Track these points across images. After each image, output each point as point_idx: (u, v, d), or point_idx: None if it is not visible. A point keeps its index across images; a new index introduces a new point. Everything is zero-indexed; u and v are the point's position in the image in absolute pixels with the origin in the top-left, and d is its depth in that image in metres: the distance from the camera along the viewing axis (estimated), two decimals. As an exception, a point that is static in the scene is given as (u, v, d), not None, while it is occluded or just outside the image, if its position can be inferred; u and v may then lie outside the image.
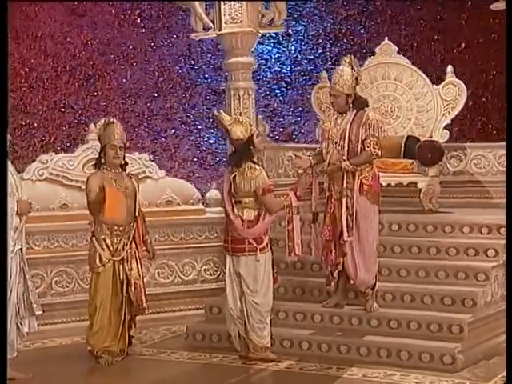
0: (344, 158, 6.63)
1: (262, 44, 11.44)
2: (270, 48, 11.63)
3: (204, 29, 8.59)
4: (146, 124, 11.05)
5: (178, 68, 11.28)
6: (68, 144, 10.59)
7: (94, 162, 6.81)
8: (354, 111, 6.73)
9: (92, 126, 8.21)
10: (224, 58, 8.62)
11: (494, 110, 10.52)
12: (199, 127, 11.36)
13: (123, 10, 11.23)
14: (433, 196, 8.18)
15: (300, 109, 11.61)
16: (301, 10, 11.56)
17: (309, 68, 11.65)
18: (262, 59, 11.53)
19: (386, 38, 8.86)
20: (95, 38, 11.05)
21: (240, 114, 8.07)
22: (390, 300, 6.87)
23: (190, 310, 8.12)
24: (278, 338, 6.73)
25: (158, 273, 8.18)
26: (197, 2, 8.50)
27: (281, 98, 11.49)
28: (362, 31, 11.56)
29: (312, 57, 11.70)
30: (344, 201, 6.62)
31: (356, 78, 6.73)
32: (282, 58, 11.70)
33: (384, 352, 6.36)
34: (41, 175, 7.88)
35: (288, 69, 11.68)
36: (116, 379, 6.41)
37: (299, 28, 11.56)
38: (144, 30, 11.23)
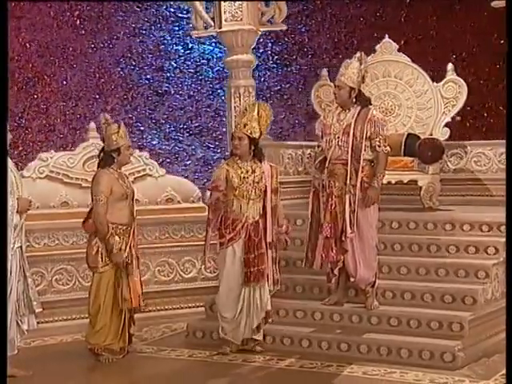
0: (363, 174, 6.60)
1: (204, 44, 11.43)
2: (211, 48, 11.58)
3: (204, 27, 8.58)
4: (87, 126, 10.93)
5: (119, 69, 11.18)
6: (8, 147, 10.49)
7: (99, 161, 6.71)
8: (359, 107, 6.73)
9: (92, 124, 8.23)
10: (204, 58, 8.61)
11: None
12: (141, 128, 11.29)
13: (62, 12, 11.06)
14: (433, 194, 8.18)
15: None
16: None
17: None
18: (203, 59, 11.51)
19: (387, 35, 8.85)
20: (34, 40, 10.90)
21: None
22: (390, 298, 6.87)
23: (190, 307, 8.13)
24: (278, 335, 6.74)
25: (159, 270, 8.19)
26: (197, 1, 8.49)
27: (223, 97, 11.46)
28: (303, 30, 11.52)
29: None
30: (347, 197, 6.62)
31: (363, 75, 6.74)
32: (224, 58, 11.68)
33: (384, 350, 6.37)
34: (41, 173, 7.88)
35: None
36: (117, 377, 6.41)
37: None
38: (84, 32, 11.09)
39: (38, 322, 6.35)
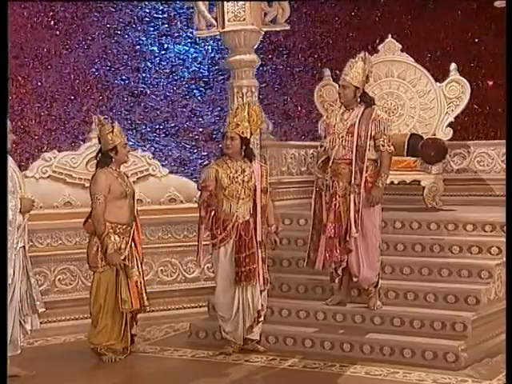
0: (368, 173, 6.61)
1: (179, 44, 11.43)
2: (187, 48, 11.58)
3: (207, 27, 8.58)
4: (63, 127, 10.90)
5: (94, 70, 11.15)
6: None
7: (97, 161, 6.74)
8: (362, 107, 6.73)
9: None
10: (224, 57, 8.61)
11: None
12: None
13: (36, 13, 11.02)
14: (436, 194, 8.17)
15: (219, 108, 11.59)
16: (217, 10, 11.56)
17: (226, 67, 11.66)
18: (179, 59, 11.50)
19: (390, 35, 8.86)
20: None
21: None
22: (393, 298, 6.87)
23: (193, 307, 8.13)
24: (281, 335, 6.74)
25: (161, 270, 8.19)
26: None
27: (199, 97, 11.49)
28: (278, 29, 11.49)
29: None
30: (352, 197, 6.61)
31: (367, 75, 6.74)
32: (199, 58, 11.66)
33: (387, 350, 6.37)
34: (44, 173, 7.88)
35: (205, 68, 11.65)
36: (119, 377, 6.41)
37: None
38: (58, 33, 11.04)
39: (40, 322, 6.35)
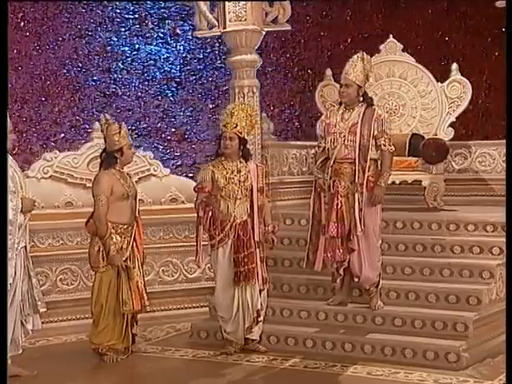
0: (370, 173, 6.61)
1: (151, 44, 11.39)
2: (158, 48, 11.52)
3: (208, 27, 8.57)
4: (34, 129, 10.76)
5: (65, 71, 11.01)
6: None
7: (101, 162, 6.71)
8: (364, 107, 6.73)
9: (97, 124, 8.22)
10: (226, 56, 8.61)
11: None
12: (89, 130, 11.17)
13: None
14: (437, 194, 8.17)
15: (191, 108, 11.54)
16: (188, 9, 11.47)
17: (198, 67, 11.57)
18: (150, 60, 11.44)
19: (391, 35, 8.86)
20: (-24, 43, 10.85)
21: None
22: (394, 298, 6.86)
23: (194, 307, 8.13)
24: (282, 335, 6.74)
25: (163, 271, 8.19)
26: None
27: (171, 98, 11.43)
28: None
29: (201, 56, 11.60)
30: (357, 196, 6.60)
31: (367, 74, 6.74)
32: (171, 58, 11.59)
33: (388, 350, 6.36)
34: (45, 173, 7.88)
35: (177, 69, 11.58)
36: (121, 377, 6.42)
37: (187, 27, 11.48)
38: (28, 34, 10.89)
39: (42, 322, 6.35)
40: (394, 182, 7.86)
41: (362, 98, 6.75)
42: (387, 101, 8.60)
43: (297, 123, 11.34)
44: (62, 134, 10.84)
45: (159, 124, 11.29)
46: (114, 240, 6.50)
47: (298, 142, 9.56)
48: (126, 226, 6.59)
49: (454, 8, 11.14)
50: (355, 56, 6.80)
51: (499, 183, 8.35)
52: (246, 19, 8.22)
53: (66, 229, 7.74)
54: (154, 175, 8.35)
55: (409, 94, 8.61)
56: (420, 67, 8.66)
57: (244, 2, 8.18)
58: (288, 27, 8.71)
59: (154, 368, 6.48)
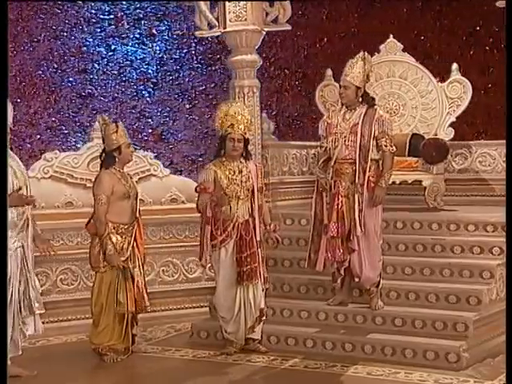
0: (371, 173, 6.61)
1: (127, 45, 11.38)
2: (134, 49, 11.52)
3: (208, 27, 8.57)
4: (9, 130, 10.86)
5: (40, 72, 11.01)
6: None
7: (101, 162, 6.71)
8: (365, 107, 6.73)
9: (97, 124, 8.21)
10: (228, 56, 8.61)
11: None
12: (65, 132, 11.13)
13: None
14: (437, 194, 8.17)
15: (168, 109, 11.55)
16: (164, 9, 11.46)
17: (174, 68, 11.58)
18: (127, 60, 11.44)
19: (391, 35, 8.85)
20: (-49, 44, 10.83)
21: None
22: (394, 298, 6.86)
23: (194, 307, 8.13)
24: (282, 335, 6.74)
25: (163, 271, 8.19)
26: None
27: (148, 98, 11.43)
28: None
29: (177, 56, 11.61)
30: (357, 197, 6.60)
31: (367, 74, 6.74)
32: (148, 59, 11.60)
33: (389, 350, 6.36)
34: (46, 173, 7.88)
35: (154, 69, 11.59)
36: (121, 377, 6.42)
37: (163, 28, 11.49)
38: None
39: (42, 322, 6.30)
40: (394, 182, 7.85)
41: (361, 99, 6.75)
42: (387, 101, 8.59)
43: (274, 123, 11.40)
44: (38, 136, 10.82)
45: (136, 124, 11.30)
46: (113, 240, 6.50)
47: (298, 142, 9.55)
48: (126, 226, 6.60)
49: (429, 7, 11.16)
50: (356, 56, 6.81)
51: (499, 183, 8.34)
52: (246, 19, 8.22)
53: (66, 229, 7.74)
54: (155, 175, 8.35)
55: (409, 94, 8.61)
56: (420, 67, 8.66)
57: (244, 2, 8.19)
58: (288, 27, 8.71)
59: (154, 368, 6.48)
